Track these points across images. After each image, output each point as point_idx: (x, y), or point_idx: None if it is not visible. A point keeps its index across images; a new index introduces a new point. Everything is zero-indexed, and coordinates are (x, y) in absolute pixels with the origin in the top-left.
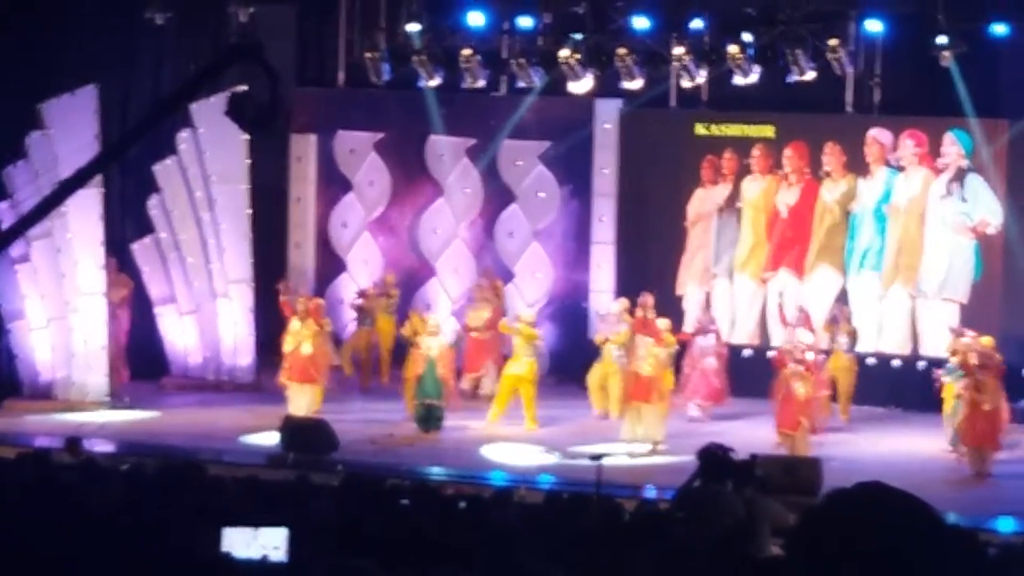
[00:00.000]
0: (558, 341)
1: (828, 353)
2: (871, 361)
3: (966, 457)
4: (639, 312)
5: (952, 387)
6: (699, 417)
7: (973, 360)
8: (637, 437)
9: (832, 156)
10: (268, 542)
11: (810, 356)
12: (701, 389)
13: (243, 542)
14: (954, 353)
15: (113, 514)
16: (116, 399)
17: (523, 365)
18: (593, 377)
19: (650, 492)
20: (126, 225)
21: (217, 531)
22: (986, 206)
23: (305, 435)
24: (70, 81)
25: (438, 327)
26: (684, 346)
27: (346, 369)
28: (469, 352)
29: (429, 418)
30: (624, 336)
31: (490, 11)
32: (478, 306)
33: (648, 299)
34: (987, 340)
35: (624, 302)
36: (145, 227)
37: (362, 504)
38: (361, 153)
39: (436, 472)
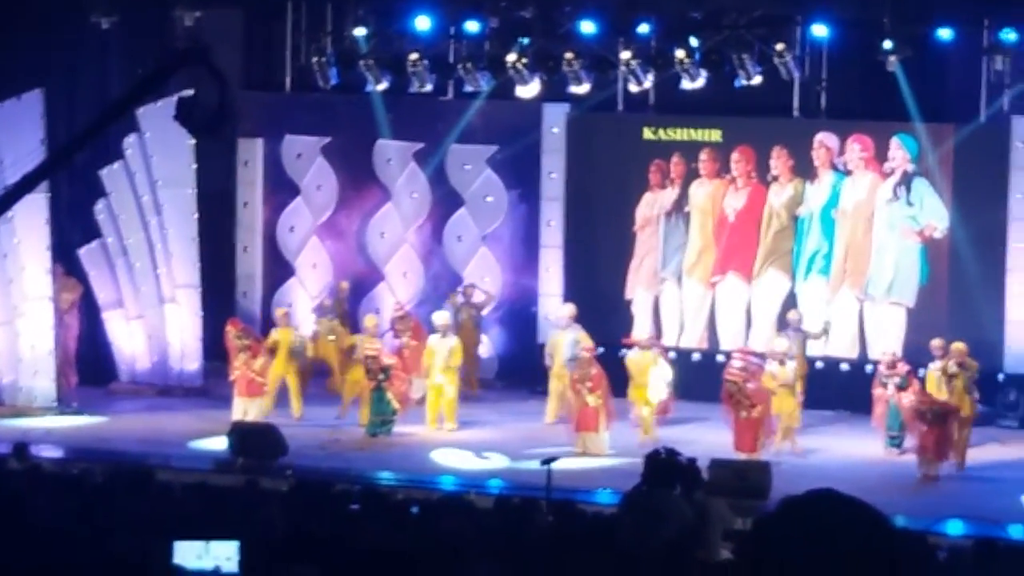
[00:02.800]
0: (507, 345)
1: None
2: (819, 365)
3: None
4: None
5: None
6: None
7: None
8: (587, 451)
9: (779, 160)
10: (220, 554)
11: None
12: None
13: (195, 554)
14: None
15: (61, 520)
16: (64, 404)
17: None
18: (554, 385)
19: (599, 497)
20: (73, 230)
21: (165, 537)
22: (932, 210)
23: (254, 440)
24: (15, 86)
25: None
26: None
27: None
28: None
29: (381, 424)
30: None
31: (437, 15)
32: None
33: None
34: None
35: (571, 307)
36: (92, 232)
37: (311, 511)
38: (308, 157)
39: (386, 477)
